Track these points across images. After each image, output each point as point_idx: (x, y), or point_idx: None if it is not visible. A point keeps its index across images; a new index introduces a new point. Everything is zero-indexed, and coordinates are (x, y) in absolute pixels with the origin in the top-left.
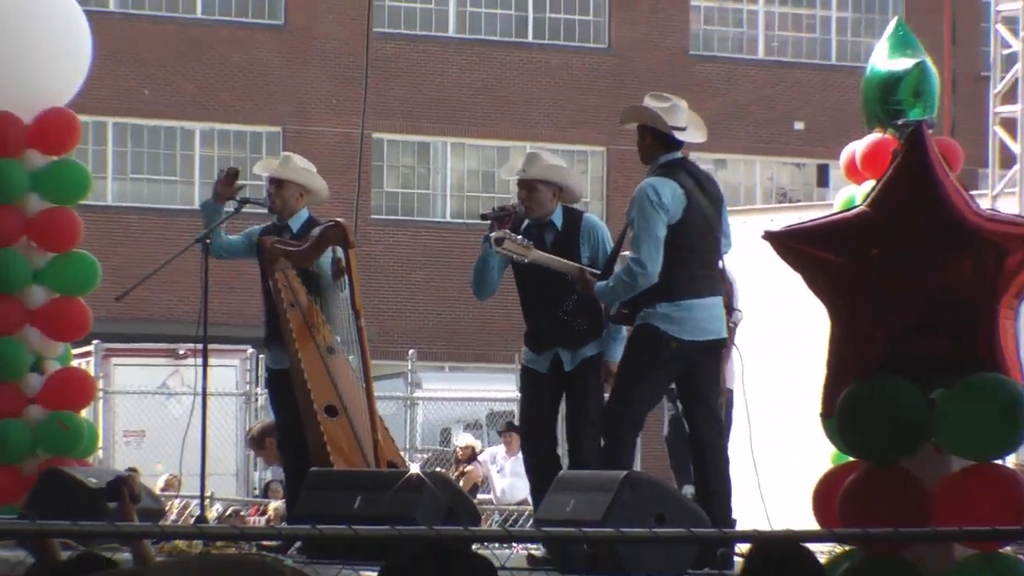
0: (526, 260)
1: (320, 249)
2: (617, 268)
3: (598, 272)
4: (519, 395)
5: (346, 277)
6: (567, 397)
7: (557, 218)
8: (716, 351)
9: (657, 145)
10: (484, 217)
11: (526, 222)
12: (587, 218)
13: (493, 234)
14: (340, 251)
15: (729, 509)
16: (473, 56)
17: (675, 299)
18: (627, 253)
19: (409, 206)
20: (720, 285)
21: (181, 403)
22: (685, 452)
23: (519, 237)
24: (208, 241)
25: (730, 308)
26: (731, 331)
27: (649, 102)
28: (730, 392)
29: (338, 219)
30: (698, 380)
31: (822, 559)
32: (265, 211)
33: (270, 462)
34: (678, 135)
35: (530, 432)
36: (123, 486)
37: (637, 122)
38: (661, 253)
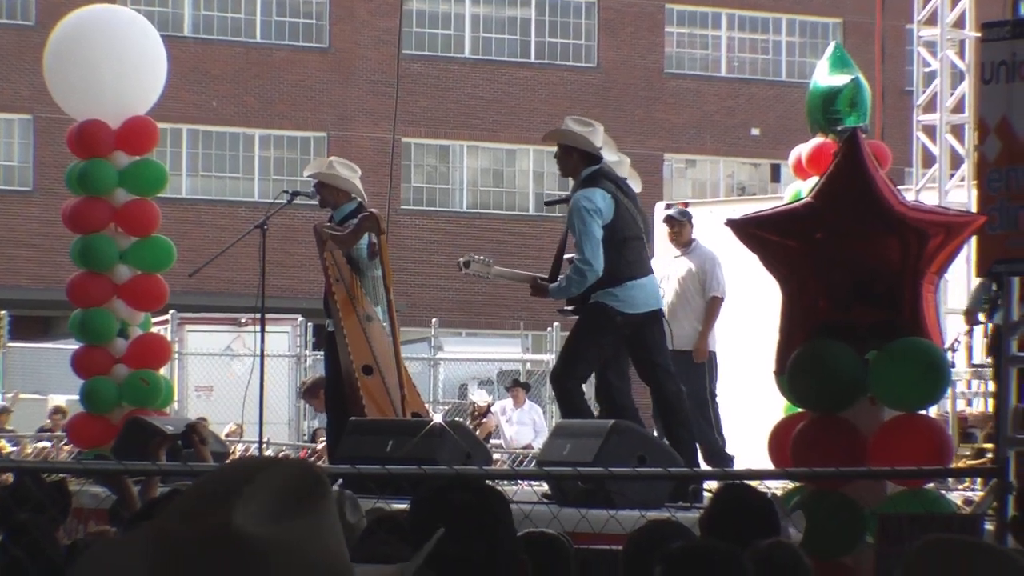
0: (490, 276)
1: (358, 235)
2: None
3: (546, 278)
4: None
5: (379, 258)
6: None
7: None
8: (658, 319)
9: (582, 163)
10: (548, 203)
11: None
12: None
13: (461, 259)
14: (374, 236)
15: (695, 450)
16: (485, 74)
17: (617, 283)
18: (572, 255)
19: (432, 198)
20: (650, 265)
21: (243, 363)
22: None
23: (480, 257)
24: (266, 227)
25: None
26: (715, 304)
27: (574, 126)
28: (713, 354)
29: (373, 210)
30: (648, 346)
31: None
32: (313, 201)
33: (320, 410)
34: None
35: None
36: (192, 433)
37: (566, 143)
38: (601, 250)
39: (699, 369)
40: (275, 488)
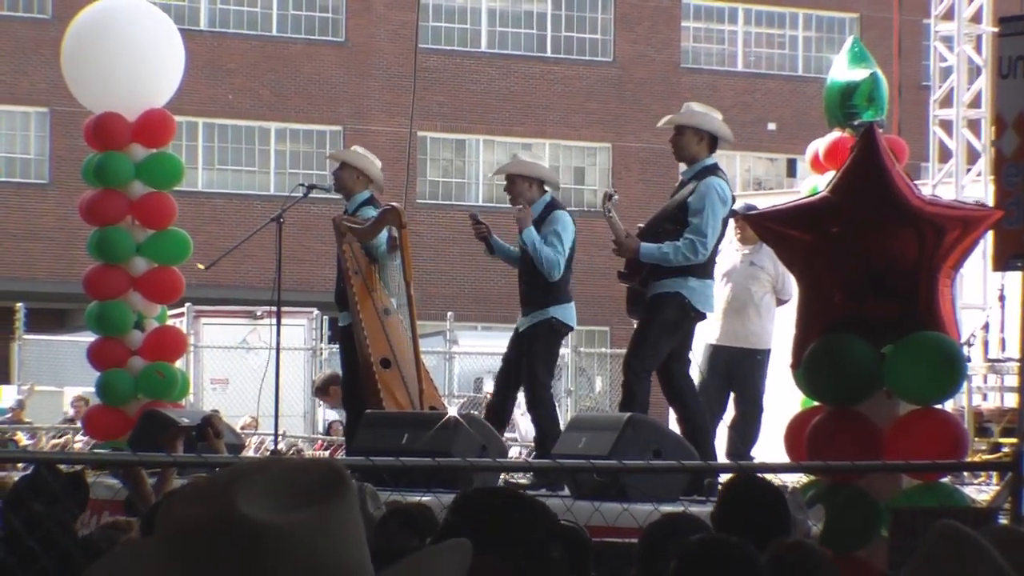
0: (608, 215)
1: (379, 227)
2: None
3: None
4: None
5: (399, 251)
6: None
7: (537, 208)
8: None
9: (707, 150)
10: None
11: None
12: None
13: (607, 189)
14: (395, 230)
15: (712, 444)
16: (501, 68)
17: (704, 277)
18: (689, 235)
19: (448, 192)
20: None
21: (258, 356)
22: None
23: (616, 198)
24: (282, 220)
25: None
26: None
27: (709, 111)
28: (767, 352)
29: (394, 203)
30: (685, 340)
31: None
32: (329, 194)
33: (333, 406)
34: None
35: None
36: (208, 426)
37: (704, 127)
38: (714, 241)
39: (760, 368)
40: (288, 480)
